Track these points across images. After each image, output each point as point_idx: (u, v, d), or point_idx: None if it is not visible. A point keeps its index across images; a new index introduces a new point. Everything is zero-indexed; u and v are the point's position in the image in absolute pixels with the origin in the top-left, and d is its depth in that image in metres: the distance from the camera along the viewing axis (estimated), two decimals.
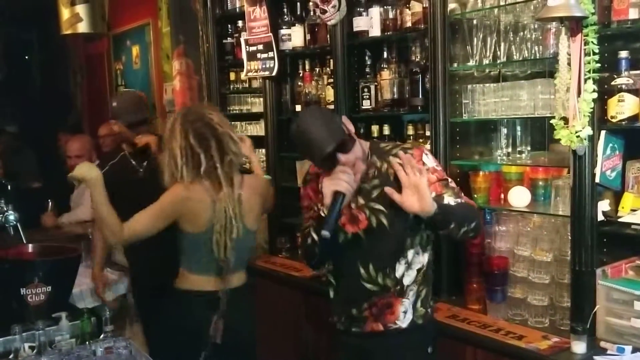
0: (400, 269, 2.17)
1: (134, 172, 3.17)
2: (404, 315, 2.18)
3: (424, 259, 2.20)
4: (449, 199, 2.09)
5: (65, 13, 4.17)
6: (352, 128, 2.15)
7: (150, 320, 3.17)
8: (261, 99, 3.84)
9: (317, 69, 3.52)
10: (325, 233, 2.02)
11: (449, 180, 2.16)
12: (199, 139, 2.44)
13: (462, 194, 2.15)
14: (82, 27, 4.17)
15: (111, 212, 2.40)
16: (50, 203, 4.45)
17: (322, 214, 2.09)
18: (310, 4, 3.27)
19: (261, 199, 2.66)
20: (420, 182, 1.99)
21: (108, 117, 7.23)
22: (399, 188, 2.07)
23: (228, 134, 2.50)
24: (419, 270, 2.19)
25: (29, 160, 6.86)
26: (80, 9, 4.12)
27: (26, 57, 8.88)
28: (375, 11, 3.06)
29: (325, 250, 2.18)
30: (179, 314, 2.54)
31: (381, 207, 2.15)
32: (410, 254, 2.18)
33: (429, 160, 2.15)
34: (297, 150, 2.20)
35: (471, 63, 2.67)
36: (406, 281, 2.18)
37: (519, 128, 2.63)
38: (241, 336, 2.57)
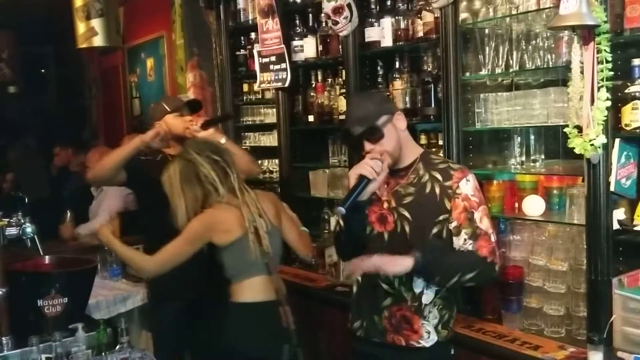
0: (418, 283, 2.17)
1: None
2: (427, 335, 2.17)
3: None
4: (461, 238, 2.09)
5: (80, 27, 4.21)
6: (401, 125, 2.18)
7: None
8: (274, 110, 3.87)
9: (330, 80, 3.54)
10: (340, 209, 2.06)
11: (479, 214, 2.10)
12: (219, 154, 2.63)
13: (488, 234, 2.09)
14: (97, 41, 4.21)
15: (134, 253, 2.68)
16: (68, 214, 4.49)
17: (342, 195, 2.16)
18: (322, 15, 3.30)
19: (272, 204, 2.76)
20: (370, 264, 2.05)
21: (123, 129, 7.34)
22: (432, 202, 2.12)
23: (229, 149, 2.77)
24: (437, 292, 2.17)
25: (44, 171, 6.95)
26: (96, 23, 4.16)
27: (42, 71, 9.01)
28: (387, 21, 3.07)
29: (351, 239, 2.21)
30: (237, 332, 2.57)
31: (408, 215, 2.17)
32: None
33: (466, 187, 2.12)
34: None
35: (483, 72, 2.67)
36: (424, 299, 2.17)
37: (532, 137, 2.63)
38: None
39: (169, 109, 3.14)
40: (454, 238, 2.12)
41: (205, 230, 2.55)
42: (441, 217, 2.13)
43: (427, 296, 2.17)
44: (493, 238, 2.12)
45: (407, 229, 2.16)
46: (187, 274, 2.88)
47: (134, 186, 3.21)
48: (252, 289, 2.59)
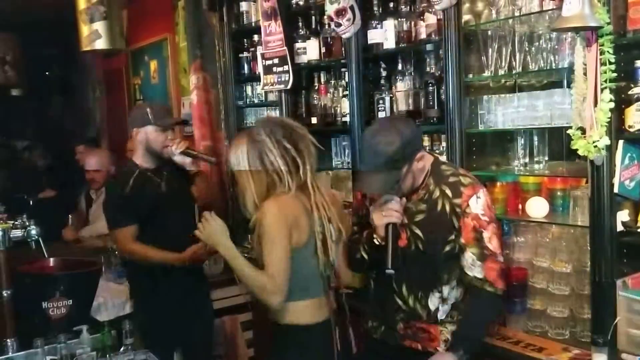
0: (434, 301, 2.18)
1: (156, 187, 3.10)
2: (445, 343, 2.17)
3: (458, 293, 2.19)
4: (468, 258, 2.07)
5: (84, 30, 4.21)
6: (420, 166, 2.13)
7: None
8: (277, 112, 3.87)
9: (333, 82, 3.54)
10: (389, 272, 2.03)
11: (489, 233, 2.09)
12: (293, 144, 2.23)
13: (496, 254, 2.09)
14: (101, 44, 4.21)
15: (255, 275, 2.15)
16: (70, 218, 4.51)
17: (377, 242, 2.12)
18: (325, 17, 3.30)
19: (338, 206, 2.42)
20: None
21: (127, 132, 7.35)
22: (443, 220, 2.10)
23: (308, 136, 2.30)
24: (453, 305, 2.18)
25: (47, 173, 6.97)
26: (99, 26, 4.16)
27: (47, 73, 9.03)
28: (390, 23, 3.07)
29: (371, 264, 2.21)
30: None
31: (420, 234, 2.16)
32: (445, 289, 2.18)
33: (476, 206, 2.09)
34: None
35: (486, 74, 2.67)
36: (440, 314, 2.18)
37: (535, 138, 2.62)
38: None
39: (153, 121, 3.04)
40: (461, 256, 2.12)
41: (286, 227, 2.15)
42: (452, 236, 2.12)
43: (443, 311, 2.18)
44: (500, 259, 2.12)
45: (420, 247, 2.15)
46: (169, 277, 2.90)
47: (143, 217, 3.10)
48: (305, 311, 2.23)
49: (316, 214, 2.21)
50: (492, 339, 2.49)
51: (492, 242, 2.09)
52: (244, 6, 4.09)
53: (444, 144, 2.85)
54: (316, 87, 3.62)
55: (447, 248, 2.13)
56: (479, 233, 2.08)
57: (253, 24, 4.01)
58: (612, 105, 2.13)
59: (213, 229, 2.22)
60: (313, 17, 3.62)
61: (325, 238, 2.23)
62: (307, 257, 2.21)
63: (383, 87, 3.20)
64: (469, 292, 2.14)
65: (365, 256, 2.21)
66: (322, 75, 3.59)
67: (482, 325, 2.15)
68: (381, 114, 3.12)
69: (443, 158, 2.42)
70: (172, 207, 3.02)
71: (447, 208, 2.12)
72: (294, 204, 2.20)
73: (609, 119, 2.14)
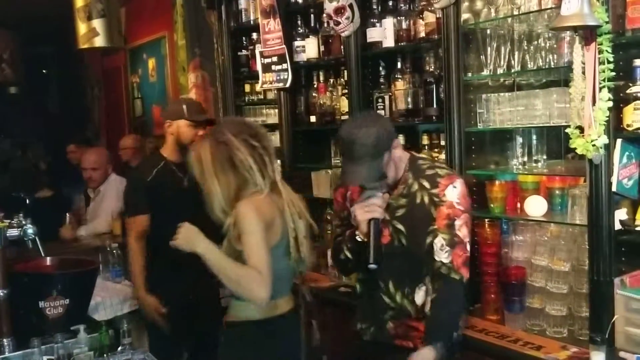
0: (420, 295, 2.18)
1: (178, 181, 3.12)
2: None
3: None
4: (439, 242, 2.10)
5: (82, 28, 4.22)
6: (399, 153, 2.17)
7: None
8: (276, 111, 3.87)
9: (332, 80, 3.54)
10: (372, 266, 2.06)
11: (460, 222, 2.12)
12: (257, 139, 2.22)
13: (464, 242, 2.12)
14: (99, 41, 4.22)
15: (241, 268, 2.10)
16: (68, 216, 4.51)
17: (359, 239, 2.13)
18: (324, 15, 3.29)
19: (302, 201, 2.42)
20: None
21: (125, 129, 7.37)
22: (424, 212, 2.12)
23: (268, 134, 2.35)
24: None
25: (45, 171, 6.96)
26: (97, 24, 4.18)
27: (44, 71, 9.03)
28: (389, 22, 3.07)
29: (356, 263, 2.22)
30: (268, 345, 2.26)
31: (402, 228, 2.18)
32: (429, 282, 2.18)
33: (452, 194, 2.13)
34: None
35: (485, 72, 2.66)
36: (427, 309, 2.17)
37: (534, 137, 2.62)
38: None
39: (187, 116, 3.12)
40: (433, 242, 2.13)
41: (263, 220, 2.13)
42: (432, 227, 2.14)
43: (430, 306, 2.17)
44: (468, 248, 2.14)
45: (403, 241, 2.18)
46: (180, 274, 2.89)
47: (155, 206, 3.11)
48: (266, 309, 2.21)
49: (288, 210, 2.23)
50: (491, 337, 2.49)
51: (461, 230, 2.12)
52: (242, 4, 4.08)
53: (443, 142, 2.85)
54: (315, 86, 3.61)
55: (429, 240, 2.14)
56: (451, 220, 2.12)
57: (252, 22, 4.00)
58: (611, 104, 2.13)
59: (188, 233, 2.17)
60: (312, 15, 3.62)
61: (297, 235, 2.25)
62: (277, 257, 2.19)
63: (382, 86, 3.19)
64: (436, 281, 2.14)
65: (349, 255, 2.23)
66: (321, 73, 3.59)
67: (452, 314, 2.13)
68: (380, 113, 3.12)
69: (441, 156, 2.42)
70: (189, 205, 2.95)
71: (426, 200, 2.15)
72: (268, 204, 2.19)
73: (607, 118, 2.14)
